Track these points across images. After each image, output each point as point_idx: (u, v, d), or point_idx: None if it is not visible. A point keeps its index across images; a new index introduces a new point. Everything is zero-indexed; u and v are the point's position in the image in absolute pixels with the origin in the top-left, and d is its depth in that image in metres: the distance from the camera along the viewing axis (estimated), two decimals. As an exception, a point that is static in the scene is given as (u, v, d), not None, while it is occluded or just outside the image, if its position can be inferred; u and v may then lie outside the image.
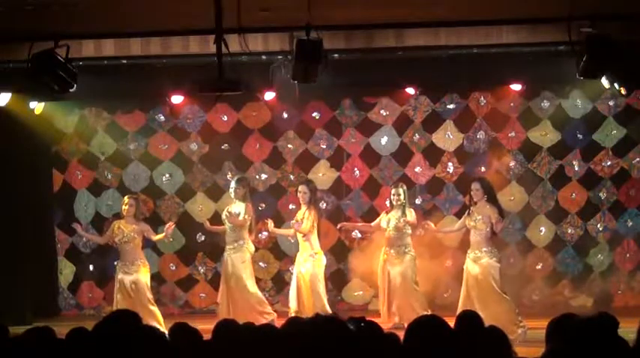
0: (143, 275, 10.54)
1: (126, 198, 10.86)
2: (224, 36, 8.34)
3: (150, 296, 10.56)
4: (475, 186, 10.33)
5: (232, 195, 10.96)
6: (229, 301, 10.77)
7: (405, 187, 10.95)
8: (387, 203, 11.12)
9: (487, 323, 4.81)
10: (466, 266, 10.27)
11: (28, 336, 4.80)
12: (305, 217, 10.76)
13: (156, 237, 10.86)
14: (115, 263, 10.83)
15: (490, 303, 9.93)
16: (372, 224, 11.26)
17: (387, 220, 10.91)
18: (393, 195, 10.87)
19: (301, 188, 10.95)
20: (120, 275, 10.56)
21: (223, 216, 11.04)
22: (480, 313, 5.41)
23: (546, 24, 9.52)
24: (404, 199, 10.84)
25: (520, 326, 9.95)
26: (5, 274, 11.57)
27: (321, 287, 10.76)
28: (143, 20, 9.02)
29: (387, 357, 4.40)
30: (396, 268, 10.82)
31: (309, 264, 10.76)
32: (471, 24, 9.60)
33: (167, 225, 10.89)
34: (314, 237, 10.80)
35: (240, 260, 10.80)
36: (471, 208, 10.29)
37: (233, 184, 10.99)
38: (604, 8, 8.50)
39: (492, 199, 10.27)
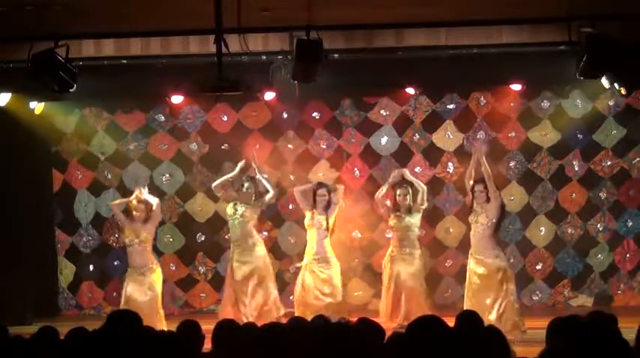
0: None
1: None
2: (224, 36, 8.34)
3: None
4: (479, 187, 10.29)
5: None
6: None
7: (410, 188, 10.91)
8: (388, 203, 11.11)
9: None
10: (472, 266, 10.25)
11: (30, 336, 4.80)
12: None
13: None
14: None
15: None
16: None
17: (395, 219, 10.89)
18: (399, 195, 10.82)
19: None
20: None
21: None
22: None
23: (546, 24, 9.53)
24: (410, 200, 10.80)
25: None
26: (5, 274, 11.56)
27: None
28: (143, 20, 9.03)
29: (387, 357, 4.40)
30: (405, 268, 10.77)
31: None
32: (471, 24, 9.61)
33: None
34: None
35: None
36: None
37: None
38: (604, 8, 8.51)
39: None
